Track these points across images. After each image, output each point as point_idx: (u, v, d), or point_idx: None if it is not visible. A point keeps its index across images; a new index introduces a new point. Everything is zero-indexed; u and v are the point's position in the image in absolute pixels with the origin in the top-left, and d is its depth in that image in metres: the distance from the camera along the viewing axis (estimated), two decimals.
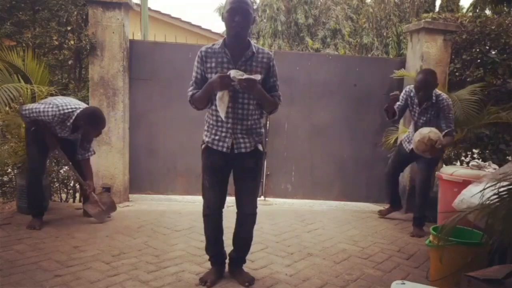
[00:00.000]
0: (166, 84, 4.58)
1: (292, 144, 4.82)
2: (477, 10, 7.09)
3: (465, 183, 3.22)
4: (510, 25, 4.45)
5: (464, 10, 10.41)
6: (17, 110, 3.67)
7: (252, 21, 2.30)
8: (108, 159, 4.29)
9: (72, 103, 3.37)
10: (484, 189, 2.00)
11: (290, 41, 15.52)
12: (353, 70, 4.83)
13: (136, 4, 5.04)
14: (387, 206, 4.44)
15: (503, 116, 4.01)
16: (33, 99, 3.81)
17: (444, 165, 4.16)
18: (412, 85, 3.77)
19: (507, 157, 4.40)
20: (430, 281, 2.51)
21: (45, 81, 3.93)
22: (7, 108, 3.73)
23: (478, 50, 4.40)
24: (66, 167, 3.67)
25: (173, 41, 4.84)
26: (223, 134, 2.41)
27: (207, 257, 2.82)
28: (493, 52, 4.44)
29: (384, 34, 13.87)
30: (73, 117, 3.31)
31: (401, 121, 4.52)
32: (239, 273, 2.62)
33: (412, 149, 3.77)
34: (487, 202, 1.95)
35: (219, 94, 2.27)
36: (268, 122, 4.75)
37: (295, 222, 4.01)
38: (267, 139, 4.76)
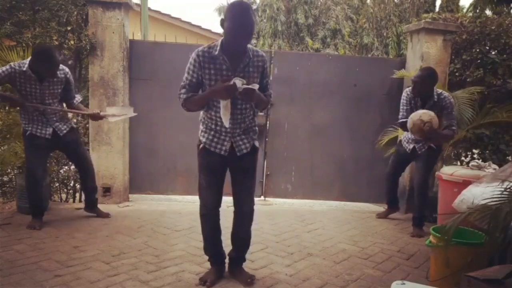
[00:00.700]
0: (166, 84, 4.58)
1: (292, 144, 4.82)
2: (477, 10, 7.09)
3: (465, 183, 3.22)
4: (510, 25, 4.45)
5: (464, 10, 10.41)
6: None
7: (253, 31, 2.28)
8: (108, 159, 4.29)
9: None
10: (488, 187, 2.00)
11: (290, 41, 15.52)
12: (353, 70, 4.83)
13: (136, 4, 5.04)
14: (386, 207, 4.44)
15: (501, 116, 4.01)
16: None
17: (444, 165, 4.16)
18: (410, 87, 3.81)
19: (507, 157, 4.40)
20: (430, 281, 2.50)
21: None
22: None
23: (478, 50, 4.40)
24: (60, 112, 3.51)
25: (173, 41, 4.84)
26: (222, 137, 2.43)
27: (207, 257, 2.82)
28: (493, 53, 4.44)
29: (384, 34, 13.86)
30: (26, 63, 3.24)
31: None
32: (239, 272, 2.62)
33: (412, 148, 3.84)
34: (488, 202, 1.95)
35: (223, 103, 2.27)
36: (268, 122, 4.75)
37: (295, 222, 4.01)
38: (267, 139, 4.76)
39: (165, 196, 4.73)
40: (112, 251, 2.98)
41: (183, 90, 2.38)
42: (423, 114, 3.48)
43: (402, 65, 4.79)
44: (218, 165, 2.46)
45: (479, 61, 4.42)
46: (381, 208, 4.74)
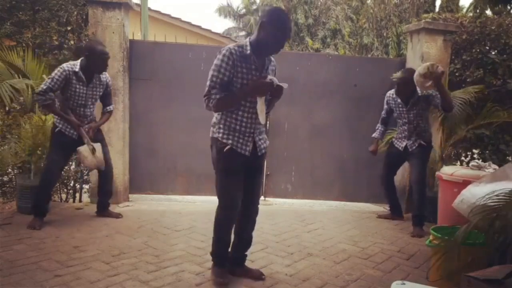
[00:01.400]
0: (166, 84, 4.58)
1: (292, 144, 4.82)
2: (477, 10, 7.08)
3: (465, 183, 3.21)
4: (510, 25, 4.45)
5: (464, 10, 10.42)
6: (34, 99, 3.73)
7: None
8: None
9: None
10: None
11: (290, 41, 15.52)
12: (353, 70, 4.83)
13: (136, 4, 5.03)
14: (387, 206, 4.44)
15: (503, 115, 4.02)
16: (33, 98, 3.82)
17: (444, 165, 4.16)
18: (391, 91, 4.02)
19: (507, 157, 4.40)
20: (430, 281, 2.50)
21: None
22: (12, 104, 3.75)
23: (478, 50, 4.40)
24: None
25: (173, 41, 4.84)
26: (246, 138, 2.43)
27: (207, 257, 2.82)
28: (493, 53, 4.44)
29: (384, 34, 13.87)
30: (78, 64, 3.45)
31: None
32: (247, 270, 2.66)
33: (404, 146, 3.92)
34: (490, 203, 1.95)
35: (260, 100, 2.33)
36: (268, 122, 4.75)
37: (295, 222, 4.01)
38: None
39: (165, 196, 4.73)
40: (112, 251, 2.98)
41: (214, 90, 2.29)
42: (424, 65, 3.56)
43: (402, 65, 4.78)
44: (242, 166, 2.47)
45: (479, 61, 4.42)
46: (381, 208, 4.75)
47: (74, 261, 2.75)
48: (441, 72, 3.55)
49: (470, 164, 3.81)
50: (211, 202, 4.63)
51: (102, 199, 3.87)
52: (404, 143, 3.95)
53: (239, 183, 2.47)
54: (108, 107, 3.79)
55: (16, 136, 3.93)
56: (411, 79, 3.68)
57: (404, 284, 1.87)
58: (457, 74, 4.54)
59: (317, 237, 3.56)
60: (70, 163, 4.14)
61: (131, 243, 3.16)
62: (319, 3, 15.74)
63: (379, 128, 4.25)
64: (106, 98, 3.76)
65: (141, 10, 6.08)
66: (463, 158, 4.74)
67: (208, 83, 2.31)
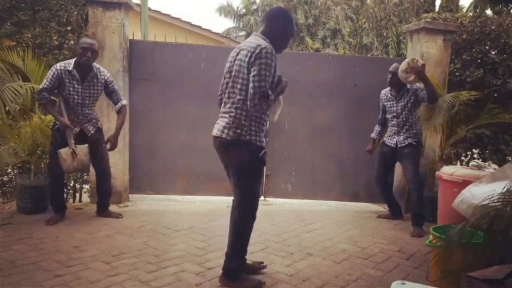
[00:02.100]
0: (166, 84, 4.58)
1: (292, 144, 4.82)
2: (477, 10, 7.09)
3: (465, 183, 3.22)
4: (510, 25, 4.45)
5: (464, 10, 10.41)
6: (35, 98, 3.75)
7: None
8: None
9: None
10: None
11: (290, 41, 15.53)
12: (353, 70, 4.83)
13: (136, 4, 5.03)
14: (387, 206, 4.44)
15: (503, 117, 4.01)
16: (33, 99, 3.82)
17: (444, 165, 4.16)
18: (384, 90, 4.16)
19: (507, 157, 4.40)
20: (430, 281, 2.50)
21: None
22: (15, 105, 3.77)
23: (478, 50, 4.40)
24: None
25: (173, 41, 4.84)
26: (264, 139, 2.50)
27: (207, 257, 2.83)
28: (493, 52, 4.43)
29: (384, 34, 13.88)
30: (72, 62, 3.46)
31: None
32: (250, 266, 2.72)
33: (395, 143, 4.01)
34: (489, 203, 1.95)
35: (280, 99, 2.41)
36: (267, 122, 4.74)
37: (295, 222, 4.01)
38: (267, 139, 4.76)
39: (165, 196, 4.73)
40: (112, 251, 2.98)
41: (270, 91, 2.26)
42: (407, 61, 3.77)
43: None
44: None
45: (479, 61, 4.41)
46: (381, 208, 4.75)
47: (74, 261, 2.75)
48: (421, 65, 3.73)
49: (470, 164, 3.81)
50: (211, 202, 4.65)
51: (101, 199, 3.87)
52: (395, 140, 4.02)
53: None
54: (118, 104, 3.73)
55: (16, 136, 3.93)
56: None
57: (404, 284, 1.87)
58: (457, 74, 4.53)
59: (317, 237, 3.56)
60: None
61: (131, 243, 3.16)
62: (319, 3, 15.75)
63: (377, 128, 4.32)
64: (112, 95, 3.71)
65: (141, 10, 6.07)
66: (463, 158, 4.74)
67: (263, 83, 2.22)
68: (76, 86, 3.47)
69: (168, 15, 9.78)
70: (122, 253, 2.94)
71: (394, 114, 4.02)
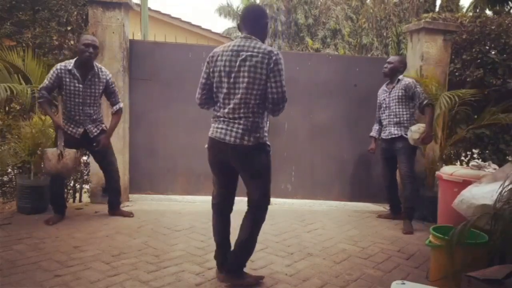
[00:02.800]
0: (166, 84, 4.58)
1: (292, 144, 4.82)
2: (477, 10, 7.09)
3: (465, 183, 3.21)
4: (510, 25, 4.45)
5: (464, 10, 10.40)
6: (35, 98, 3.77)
7: None
8: None
9: None
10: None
11: (290, 41, 15.54)
12: (353, 70, 4.83)
13: (136, 4, 5.03)
14: (387, 206, 4.45)
15: (502, 118, 4.01)
16: (33, 99, 3.82)
17: (444, 165, 4.16)
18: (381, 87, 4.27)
19: (507, 157, 4.40)
20: (430, 281, 2.50)
21: None
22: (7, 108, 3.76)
23: (478, 50, 4.40)
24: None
25: (173, 41, 4.84)
26: None
27: (207, 257, 2.83)
28: (493, 52, 4.44)
29: (384, 34, 13.88)
30: (72, 61, 3.50)
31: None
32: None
33: (388, 135, 4.11)
34: (490, 203, 1.95)
35: None
36: (268, 122, 4.74)
37: (295, 222, 4.01)
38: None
39: (165, 196, 4.73)
40: (112, 251, 2.98)
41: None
42: (414, 134, 3.89)
43: None
44: None
45: (479, 61, 4.41)
46: (381, 208, 4.75)
47: (74, 261, 2.75)
48: (426, 134, 3.87)
49: (470, 164, 3.81)
50: (210, 202, 4.63)
51: (110, 197, 3.90)
52: (387, 131, 4.12)
53: None
54: (114, 107, 3.74)
55: (16, 136, 3.93)
56: (399, 66, 4.06)
57: (404, 283, 1.87)
58: (457, 74, 4.54)
59: (317, 237, 3.56)
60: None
61: (131, 243, 3.16)
62: (319, 3, 15.74)
63: (375, 127, 4.36)
64: (111, 96, 3.72)
65: (141, 10, 6.07)
66: (463, 158, 4.74)
67: (284, 88, 2.35)
68: (76, 85, 3.48)
69: (168, 15, 9.78)
70: (122, 253, 2.94)
71: (386, 105, 4.13)
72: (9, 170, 4.22)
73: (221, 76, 2.37)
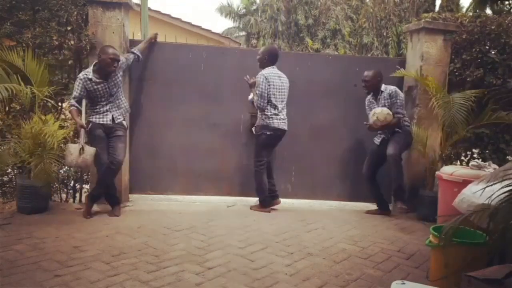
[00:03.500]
0: (166, 84, 4.58)
1: (292, 144, 4.82)
2: (477, 10, 7.08)
3: (465, 183, 3.22)
4: (510, 25, 4.45)
5: (464, 10, 10.40)
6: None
7: None
8: None
9: None
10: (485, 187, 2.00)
11: (290, 41, 15.53)
12: (353, 70, 4.82)
13: (136, 4, 5.03)
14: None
15: (503, 117, 4.01)
16: (33, 99, 3.82)
17: (444, 165, 4.16)
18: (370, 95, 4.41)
19: (507, 157, 4.40)
20: (430, 281, 2.50)
21: (45, 81, 3.94)
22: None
23: (478, 50, 4.40)
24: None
25: (173, 41, 4.84)
26: None
27: (207, 256, 2.83)
28: (493, 52, 4.44)
29: (384, 34, 13.88)
30: (91, 69, 3.80)
31: None
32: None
33: (381, 140, 4.32)
34: (490, 202, 1.95)
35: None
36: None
37: (295, 222, 4.01)
38: None
39: (165, 196, 4.73)
40: (112, 251, 2.98)
41: None
42: (379, 114, 4.10)
43: (402, 64, 4.78)
44: None
45: (479, 60, 4.41)
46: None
47: (74, 261, 2.75)
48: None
49: (470, 164, 3.81)
50: (211, 202, 4.65)
51: (107, 191, 3.94)
52: (381, 138, 4.32)
53: None
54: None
55: (16, 136, 3.93)
56: (376, 81, 4.23)
57: (404, 283, 1.87)
58: (457, 73, 4.53)
59: (317, 237, 3.56)
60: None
61: (131, 243, 3.16)
62: (319, 3, 15.72)
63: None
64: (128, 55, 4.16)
65: (141, 10, 6.06)
66: (463, 157, 4.74)
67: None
68: (102, 86, 3.81)
69: (168, 15, 9.78)
70: (122, 253, 2.94)
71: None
72: (9, 170, 4.22)
73: (281, 89, 4.27)
